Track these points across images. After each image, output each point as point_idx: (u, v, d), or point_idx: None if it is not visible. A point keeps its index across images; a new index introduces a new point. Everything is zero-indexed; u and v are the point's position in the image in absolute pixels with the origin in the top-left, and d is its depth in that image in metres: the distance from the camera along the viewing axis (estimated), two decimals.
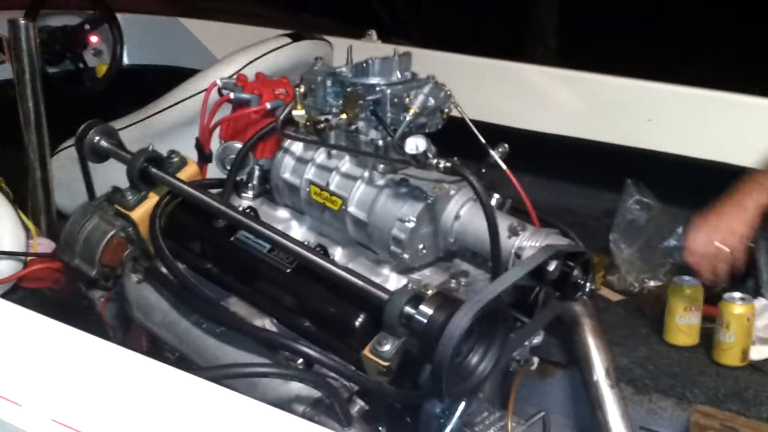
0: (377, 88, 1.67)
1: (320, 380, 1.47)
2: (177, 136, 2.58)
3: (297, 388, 1.51)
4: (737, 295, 2.09)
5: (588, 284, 1.60)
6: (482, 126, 1.69)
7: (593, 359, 1.91)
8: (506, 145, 1.73)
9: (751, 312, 2.06)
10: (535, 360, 1.74)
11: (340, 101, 1.73)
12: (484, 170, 1.74)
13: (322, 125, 1.71)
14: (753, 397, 1.97)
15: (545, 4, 6.53)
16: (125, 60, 3.45)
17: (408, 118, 1.63)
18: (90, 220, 1.84)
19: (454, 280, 1.67)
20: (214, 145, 1.97)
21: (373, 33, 3.05)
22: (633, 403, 1.96)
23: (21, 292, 2.20)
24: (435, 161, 1.56)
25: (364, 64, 1.70)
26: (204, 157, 1.94)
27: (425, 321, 1.41)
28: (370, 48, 2.96)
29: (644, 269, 2.43)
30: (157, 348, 1.81)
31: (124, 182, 1.88)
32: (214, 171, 1.96)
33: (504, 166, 1.72)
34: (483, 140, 1.79)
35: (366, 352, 1.47)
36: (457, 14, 6.32)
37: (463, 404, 1.63)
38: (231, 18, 3.54)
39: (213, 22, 3.49)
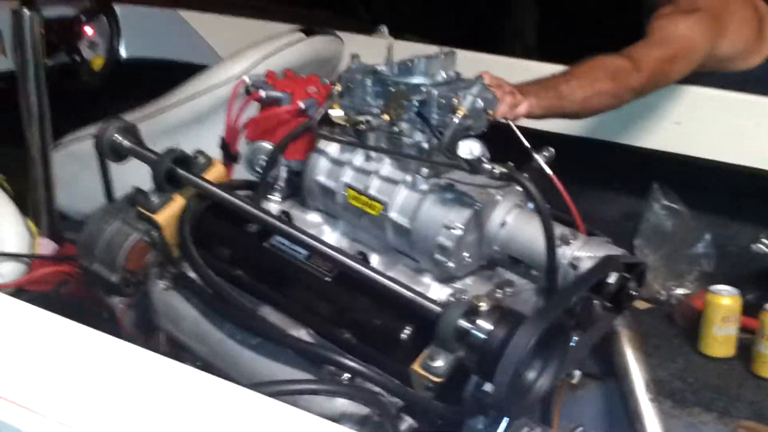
0: (423, 89, 1.60)
1: (372, 397, 1.40)
2: (186, 134, 2.49)
3: (342, 404, 1.43)
4: None
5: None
6: None
7: (632, 371, 1.85)
8: (552, 150, 1.66)
9: None
10: (577, 373, 1.68)
11: (380, 101, 1.66)
12: (526, 175, 1.67)
13: (363, 126, 1.63)
14: None
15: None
16: (122, 53, 3.34)
17: (457, 121, 1.56)
18: (111, 222, 1.74)
19: (499, 290, 1.60)
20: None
21: (385, 28, 2.96)
22: (671, 417, 1.90)
23: (25, 296, 2.10)
24: (490, 167, 1.49)
25: (409, 63, 1.62)
26: (231, 158, 1.85)
27: (485, 337, 1.34)
28: (383, 44, 2.88)
29: (670, 276, 2.38)
30: (179, 359, 1.72)
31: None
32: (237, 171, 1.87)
33: (550, 172, 1.65)
34: (527, 144, 1.72)
35: (416, 367, 1.39)
36: (433, 8, 6.22)
37: (506, 420, 1.57)
38: (229, 10, 3.44)
39: (212, 15, 3.39)
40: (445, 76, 1.63)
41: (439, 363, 1.37)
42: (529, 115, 1.90)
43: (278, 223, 1.59)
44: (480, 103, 1.59)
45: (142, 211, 1.73)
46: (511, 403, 1.31)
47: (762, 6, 2.54)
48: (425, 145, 1.60)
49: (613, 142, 2.42)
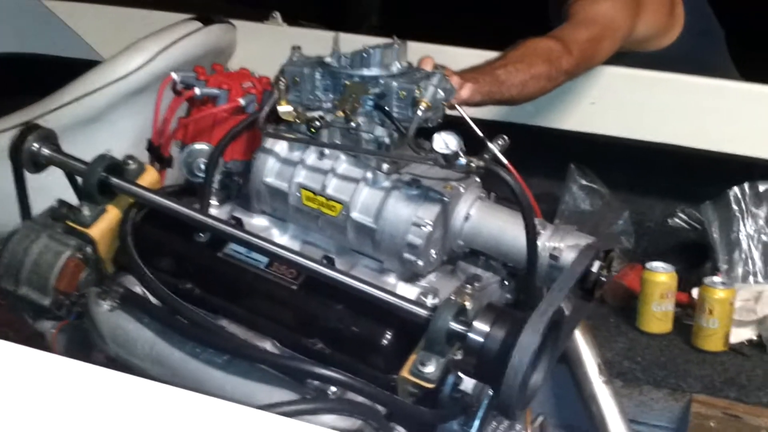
0: (381, 81, 1.52)
1: (369, 410, 1.33)
2: (81, 135, 2.31)
3: (330, 420, 1.35)
4: (717, 279, 2.08)
5: None
6: None
7: (583, 355, 1.85)
8: (506, 138, 1.62)
9: (733, 296, 2.05)
10: None
11: (331, 95, 1.57)
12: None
13: (318, 123, 1.53)
14: (747, 382, 1.96)
15: None
16: None
17: (420, 113, 1.49)
18: (37, 240, 1.57)
19: (469, 286, 1.54)
20: None
21: (278, 15, 2.83)
22: (623, 396, 1.90)
23: None
24: (465, 161, 1.43)
25: (364, 54, 1.54)
26: (163, 162, 1.71)
27: (482, 339, 1.29)
28: (278, 32, 2.77)
29: None
30: None
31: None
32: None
33: (505, 161, 1.61)
34: (480, 133, 1.67)
35: (405, 373, 1.33)
36: None
37: (480, 417, 1.53)
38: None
39: (79, 4, 3.15)
40: (399, 66, 1.56)
41: (431, 368, 1.31)
42: (469, 102, 1.85)
43: (239, 232, 1.48)
44: (441, 94, 1.53)
45: (73, 225, 1.58)
46: (518, 405, 1.26)
47: None
48: (386, 140, 1.53)
49: (529, 124, 2.41)
